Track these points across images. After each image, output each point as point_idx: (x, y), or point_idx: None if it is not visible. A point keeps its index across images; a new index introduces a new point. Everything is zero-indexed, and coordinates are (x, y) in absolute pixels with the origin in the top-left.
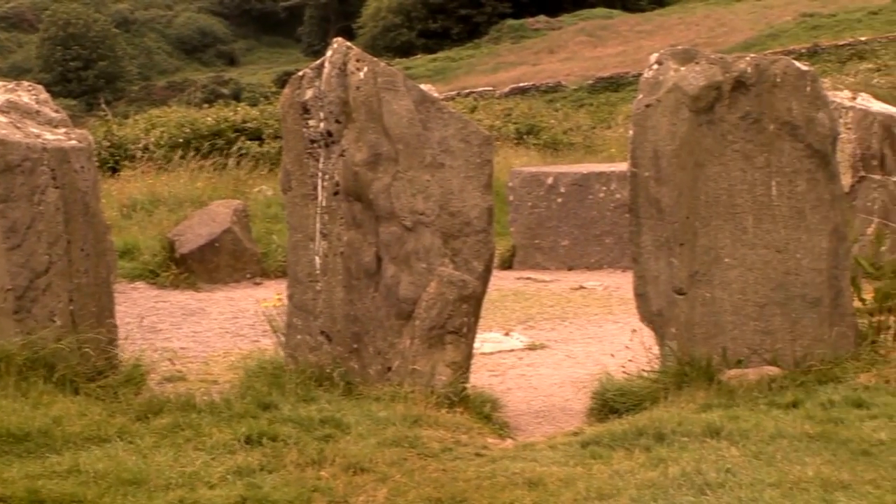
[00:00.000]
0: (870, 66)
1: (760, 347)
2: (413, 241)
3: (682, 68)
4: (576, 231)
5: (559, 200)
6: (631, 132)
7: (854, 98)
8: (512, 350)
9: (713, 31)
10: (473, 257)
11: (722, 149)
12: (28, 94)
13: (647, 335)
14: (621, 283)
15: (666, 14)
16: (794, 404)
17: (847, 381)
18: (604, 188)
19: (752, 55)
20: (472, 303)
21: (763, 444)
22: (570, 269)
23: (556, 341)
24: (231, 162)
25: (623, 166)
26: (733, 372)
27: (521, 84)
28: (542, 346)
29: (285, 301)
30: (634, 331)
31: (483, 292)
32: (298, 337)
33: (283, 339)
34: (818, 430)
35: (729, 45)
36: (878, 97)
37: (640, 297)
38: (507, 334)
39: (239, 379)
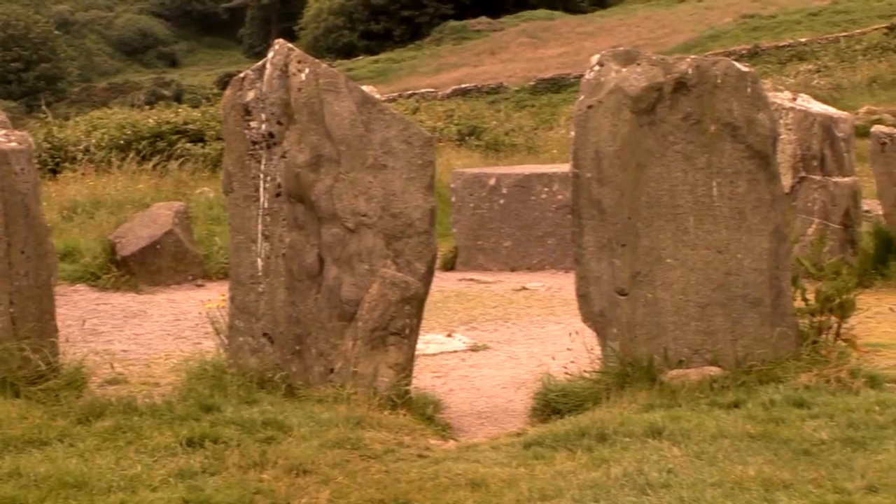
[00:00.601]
0: (810, 67)
1: (702, 348)
2: (355, 243)
3: (624, 70)
4: (518, 232)
5: (501, 202)
6: (573, 133)
7: (794, 99)
8: (454, 351)
9: (654, 33)
10: (416, 258)
11: (663, 150)
12: None
13: (590, 336)
14: (563, 284)
15: (607, 15)
16: (736, 404)
17: (788, 381)
18: (546, 189)
19: (693, 56)
20: (415, 304)
21: (705, 444)
22: (512, 270)
23: (499, 342)
24: (172, 164)
25: (565, 167)
26: (675, 372)
27: (463, 85)
28: (485, 348)
29: (227, 303)
30: (576, 332)
31: (425, 293)
32: (240, 339)
33: (225, 341)
34: (759, 430)
35: (670, 46)
36: (818, 98)
37: (582, 297)
38: (449, 335)
39: (181, 381)
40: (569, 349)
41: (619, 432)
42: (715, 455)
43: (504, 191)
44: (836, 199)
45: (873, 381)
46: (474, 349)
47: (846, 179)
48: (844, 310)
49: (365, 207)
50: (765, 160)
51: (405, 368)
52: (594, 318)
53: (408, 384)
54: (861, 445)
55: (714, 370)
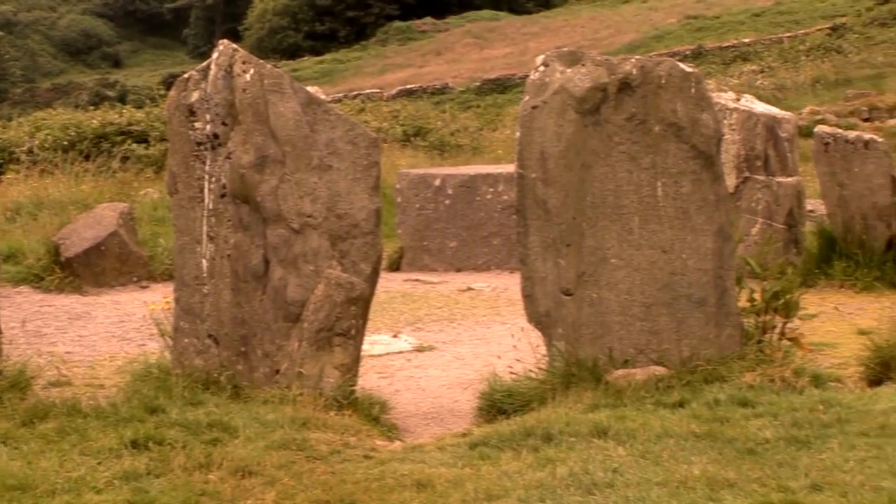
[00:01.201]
0: (753, 67)
1: (647, 347)
2: (301, 244)
3: (568, 70)
4: (463, 233)
5: (447, 202)
6: (518, 134)
7: (738, 99)
8: (400, 352)
9: (598, 33)
10: (361, 259)
11: (608, 150)
12: None
13: (535, 336)
14: (509, 284)
15: (552, 16)
16: (681, 404)
17: (733, 380)
18: (491, 190)
19: (638, 57)
20: (360, 305)
21: (650, 443)
22: (457, 270)
23: (445, 343)
24: (117, 164)
25: (510, 168)
26: (620, 372)
27: (409, 86)
28: (431, 348)
29: (172, 304)
30: (521, 332)
31: (371, 294)
32: (185, 340)
33: (170, 342)
34: (704, 430)
35: (614, 47)
36: (761, 98)
37: (528, 297)
38: (395, 336)
39: (125, 383)
40: (514, 349)
41: (565, 432)
42: (660, 454)
43: (449, 191)
44: (780, 199)
45: (817, 380)
46: (420, 350)
47: (790, 179)
48: (789, 309)
49: (310, 208)
50: (709, 160)
51: (351, 369)
52: (539, 318)
53: (353, 385)
54: (805, 444)
55: (659, 370)
